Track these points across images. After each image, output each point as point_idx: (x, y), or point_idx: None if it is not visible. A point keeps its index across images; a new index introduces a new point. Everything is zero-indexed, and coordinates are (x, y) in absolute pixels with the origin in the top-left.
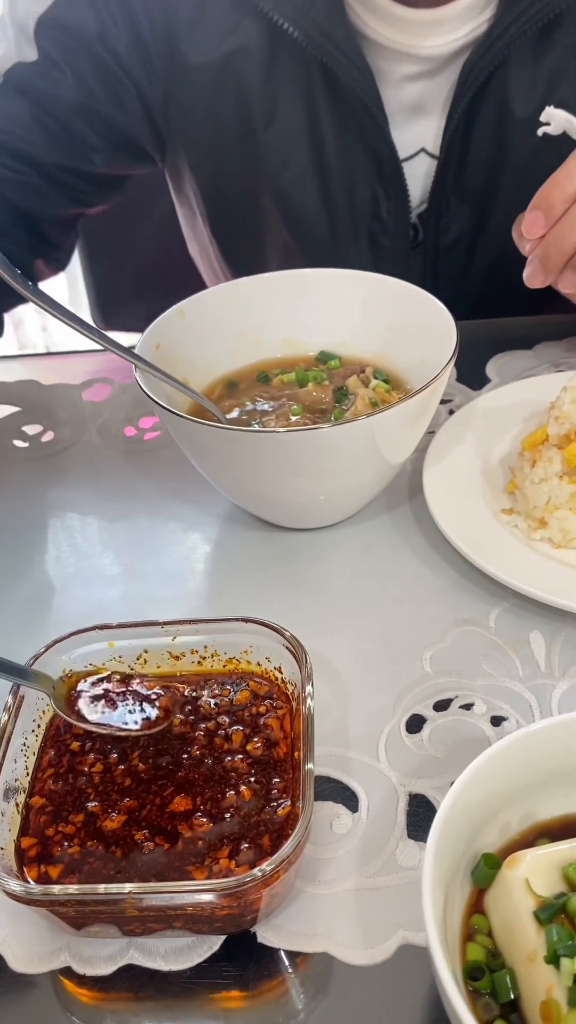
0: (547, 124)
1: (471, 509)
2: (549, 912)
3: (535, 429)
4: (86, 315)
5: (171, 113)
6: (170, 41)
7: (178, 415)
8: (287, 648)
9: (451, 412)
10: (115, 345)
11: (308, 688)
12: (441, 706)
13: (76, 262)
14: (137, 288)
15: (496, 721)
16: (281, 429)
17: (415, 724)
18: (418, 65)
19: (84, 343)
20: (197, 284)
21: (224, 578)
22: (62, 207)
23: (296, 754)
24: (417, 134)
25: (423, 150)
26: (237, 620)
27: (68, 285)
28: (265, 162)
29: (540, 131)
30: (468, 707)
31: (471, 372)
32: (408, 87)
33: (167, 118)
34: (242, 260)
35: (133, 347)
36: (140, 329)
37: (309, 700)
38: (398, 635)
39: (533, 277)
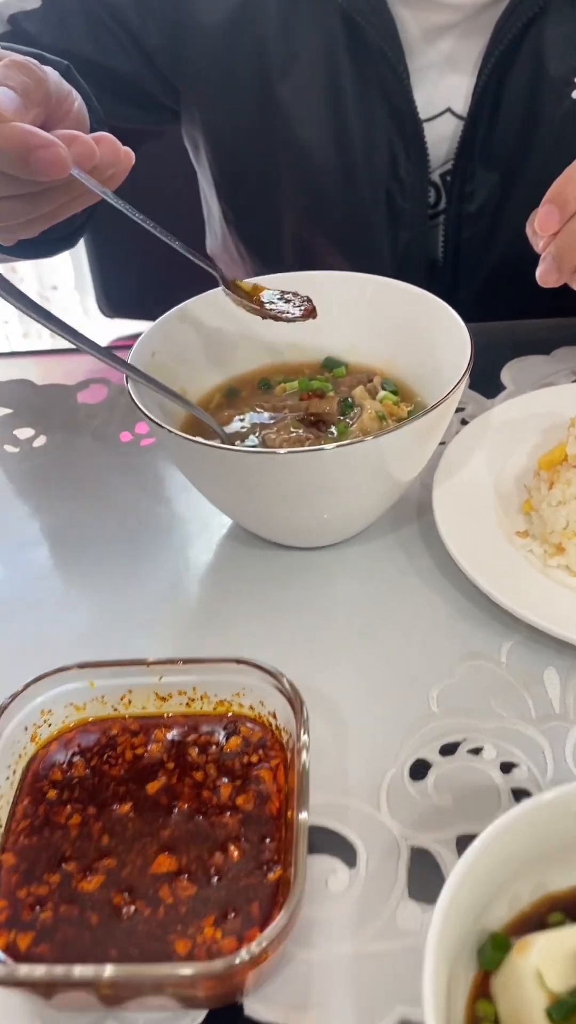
0: None
1: (483, 531)
2: (563, 1011)
3: (553, 446)
4: (91, 304)
5: (183, 67)
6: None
7: (170, 431)
8: (283, 694)
9: (464, 422)
10: (104, 353)
11: (304, 737)
12: (448, 750)
13: (81, 247)
14: (144, 275)
15: (506, 768)
16: (280, 450)
17: (420, 770)
18: (447, 15)
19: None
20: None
21: (219, 601)
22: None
23: (290, 812)
24: (444, 92)
25: (449, 110)
26: (229, 661)
27: (74, 268)
28: (280, 115)
29: (574, 93)
30: (477, 751)
31: (485, 378)
32: (437, 42)
33: (178, 72)
34: (254, 223)
35: (134, 336)
36: (148, 317)
37: (304, 754)
38: (403, 669)
39: (547, 275)
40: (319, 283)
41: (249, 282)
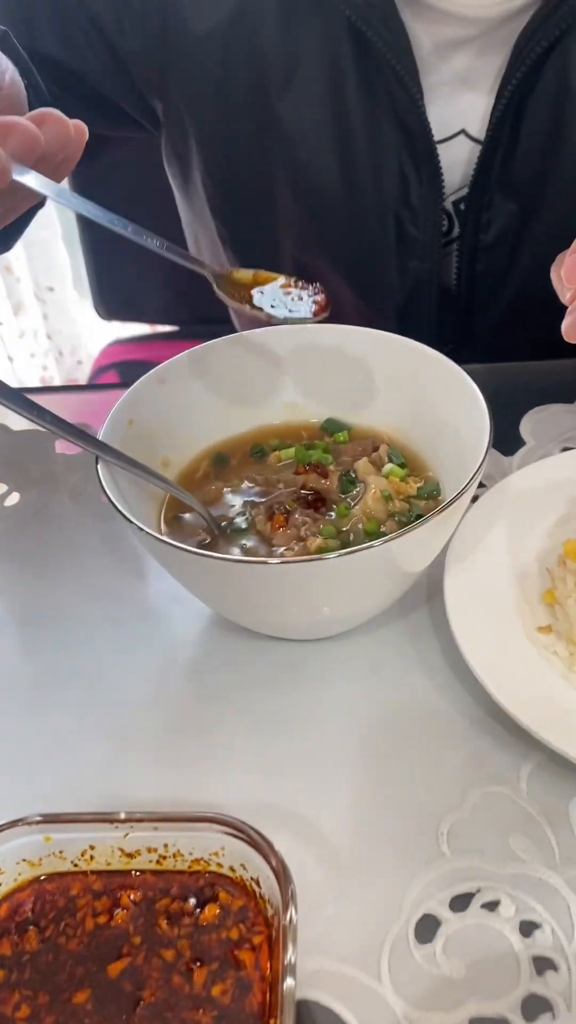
0: None
1: (501, 626)
2: None
3: None
4: (88, 306)
5: (168, 81)
6: (167, 16)
7: (144, 531)
8: (268, 864)
9: (481, 485)
10: (71, 431)
11: (289, 914)
12: (459, 903)
13: (78, 249)
14: (141, 277)
15: (526, 929)
16: (272, 560)
17: (427, 928)
18: (464, 28)
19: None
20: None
21: (199, 703)
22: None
23: (272, 1022)
24: (458, 112)
25: (463, 132)
26: (205, 820)
27: (71, 269)
28: (280, 133)
29: None
30: (492, 906)
31: (503, 431)
32: (451, 56)
33: (162, 87)
34: (255, 253)
35: (131, 339)
36: (144, 319)
37: (288, 953)
38: (410, 796)
39: (573, 330)
40: (319, 334)
41: (248, 272)
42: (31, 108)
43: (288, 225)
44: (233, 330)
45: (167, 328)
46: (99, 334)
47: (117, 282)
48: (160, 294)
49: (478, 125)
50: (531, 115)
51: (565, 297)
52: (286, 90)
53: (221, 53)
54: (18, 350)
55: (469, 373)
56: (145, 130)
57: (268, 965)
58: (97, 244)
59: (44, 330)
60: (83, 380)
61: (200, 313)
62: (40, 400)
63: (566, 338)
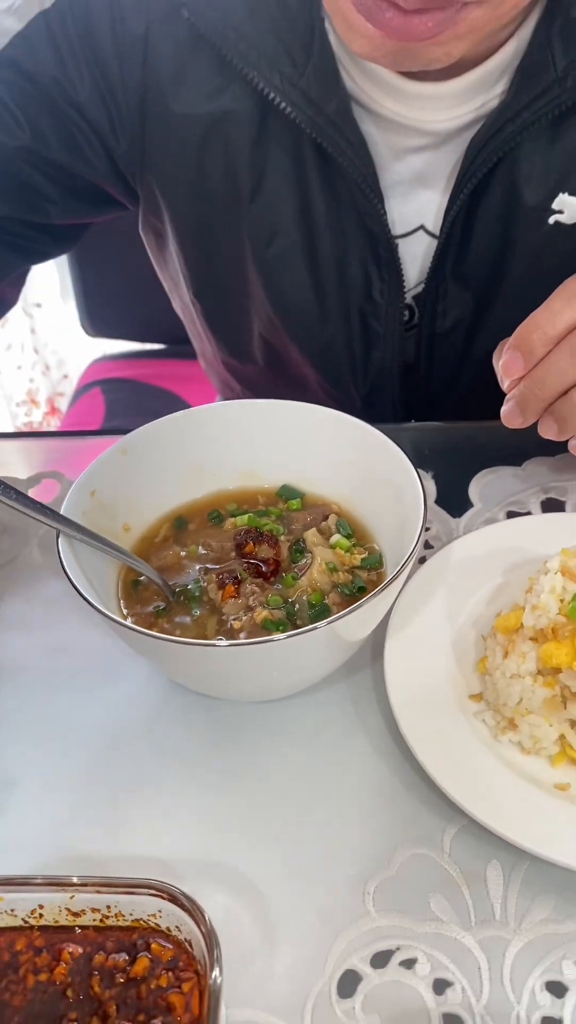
0: (560, 212)
1: (436, 694)
2: None
3: (511, 606)
4: (74, 319)
5: (148, 159)
6: (146, 97)
7: (98, 609)
8: (200, 932)
9: (427, 545)
10: (35, 508)
11: (214, 975)
12: (380, 960)
13: (65, 266)
14: (127, 294)
15: (439, 987)
16: (221, 642)
17: (348, 984)
18: (422, 139)
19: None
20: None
21: (150, 759)
22: (7, 263)
23: None
24: (417, 209)
25: (422, 227)
26: (143, 887)
27: (59, 280)
28: (251, 230)
29: (552, 219)
30: (410, 964)
31: (452, 492)
32: (409, 159)
33: (142, 173)
34: (225, 327)
35: (118, 356)
36: (130, 336)
37: (212, 1011)
38: (342, 855)
39: (511, 417)
40: (279, 410)
41: None
42: (22, 203)
43: (258, 311)
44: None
45: (153, 346)
46: (86, 349)
47: (104, 299)
48: (146, 312)
49: (435, 221)
50: (483, 216)
51: (504, 386)
52: (257, 193)
53: (198, 144)
54: (4, 363)
55: (424, 432)
56: (125, 208)
57: (198, 1007)
58: (85, 261)
59: (31, 343)
60: (68, 394)
61: (186, 332)
62: (12, 445)
63: (505, 423)
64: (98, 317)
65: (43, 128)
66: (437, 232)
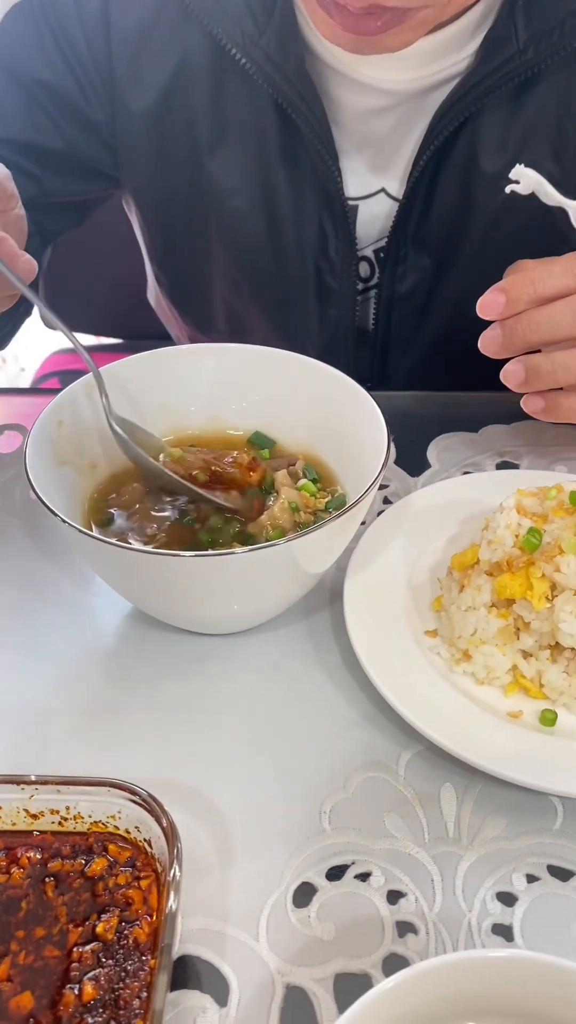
0: (516, 182)
1: (392, 629)
2: None
3: (468, 542)
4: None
5: (118, 136)
6: (113, 66)
7: (70, 524)
8: (160, 828)
9: (387, 500)
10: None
11: (174, 871)
12: (335, 873)
13: None
14: (86, 288)
15: (393, 897)
16: (186, 553)
17: (304, 894)
18: (383, 99)
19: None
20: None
21: (110, 688)
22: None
23: (153, 961)
24: (378, 172)
25: (383, 190)
26: (104, 785)
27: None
28: (211, 186)
29: (508, 188)
30: (364, 877)
31: (411, 454)
32: (372, 122)
33: (116, 141)
34: (186, 289)
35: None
36: (89, 331)
37: (171, 901)
38: (298, 778)
39: (491, 342)
40: (247, 357)
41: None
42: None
43: (220, 273)
44: (173, 344)
45: (111, 340)
46: (43, 342)
47: (62, 292)
48: (105, 306)
49: (396, 186)
50: (444, 182)
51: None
52: (216, 149)
53: (157, 125)
54: None
55: (385, 399)
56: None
57: (156, 904)
58: (43, 255)
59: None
60: (25, 386)
61: (144, 327)
62: None
63: (481, 346)
64: (56, 310)
65: (23, 113)
66: (398, 196)
